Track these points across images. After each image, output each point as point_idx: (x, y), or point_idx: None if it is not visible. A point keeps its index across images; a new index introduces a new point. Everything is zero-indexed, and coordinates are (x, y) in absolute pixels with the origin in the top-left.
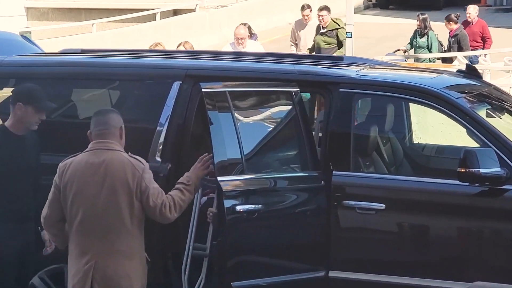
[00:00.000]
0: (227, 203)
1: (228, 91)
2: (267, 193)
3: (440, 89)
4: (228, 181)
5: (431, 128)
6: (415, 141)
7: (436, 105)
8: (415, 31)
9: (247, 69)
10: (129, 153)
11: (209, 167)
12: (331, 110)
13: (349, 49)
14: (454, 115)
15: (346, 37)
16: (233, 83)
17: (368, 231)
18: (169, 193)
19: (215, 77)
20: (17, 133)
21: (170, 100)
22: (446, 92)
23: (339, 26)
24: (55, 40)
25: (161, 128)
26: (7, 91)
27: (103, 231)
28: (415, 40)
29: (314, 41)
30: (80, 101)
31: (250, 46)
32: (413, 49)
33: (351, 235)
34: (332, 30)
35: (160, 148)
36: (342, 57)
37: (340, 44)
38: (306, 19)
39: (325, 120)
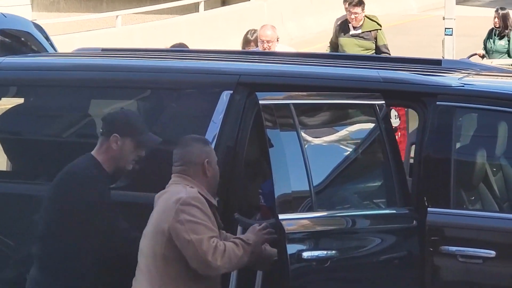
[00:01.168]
0: (291, 249)
1: (293, 103)
2: (342, 236)
3: None
4: (292, 220)
5: None
6: None
7: None
8: (491, 30)
9: (317, 75)
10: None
11: (271, 234)
12: (425, 129)
13: (449, 51)
14: None
15: (446, 34)
16: (300, 93)
17: (474, 285)
18: (225, 242)
19: (277, 86)
20: (109, 172)
21: (218, 115)
22: None
23: (379, 26)
24: (69, 37)
25: None
26: (6, 103)
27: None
28: (490, 42)
29: (337, 44)
30: (100, 116)
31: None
32: (487, 54)
33: None
34: (370, 31)
35: None
36: (440, 60)
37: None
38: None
39: (418, 142)
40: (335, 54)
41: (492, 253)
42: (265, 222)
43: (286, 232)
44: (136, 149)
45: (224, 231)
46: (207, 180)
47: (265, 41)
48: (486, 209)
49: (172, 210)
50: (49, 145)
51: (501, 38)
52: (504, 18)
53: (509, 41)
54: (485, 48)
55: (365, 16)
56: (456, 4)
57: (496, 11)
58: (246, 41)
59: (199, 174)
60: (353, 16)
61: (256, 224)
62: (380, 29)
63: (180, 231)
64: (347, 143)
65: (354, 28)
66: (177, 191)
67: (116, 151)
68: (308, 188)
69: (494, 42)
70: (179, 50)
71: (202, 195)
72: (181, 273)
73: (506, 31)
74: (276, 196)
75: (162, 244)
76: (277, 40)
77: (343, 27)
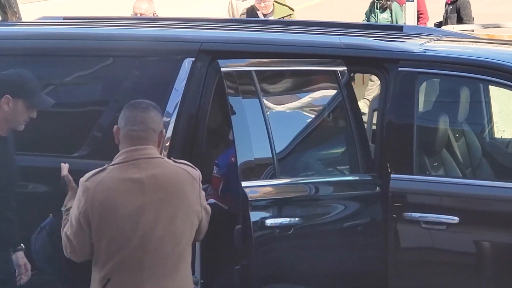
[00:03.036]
0: (254, 216)
1: (254, 70)
2: (305, 203)
3: None
4: (255, 187)
5: None
6: (497, 135)
7: None
8: (372, 2)
9: (279, 42)
10: (172, 158)
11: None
12: (388, 95)
13: (411, 17)
14: None
15: (407, 0)
16: (262, 60)
17: (437, 251)
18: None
19: (238, 53)
20: (0, 133)
21: (180, 83)
22: None
23: (291, 10)
24: (33, 6)
25: (168, 119)
26: None
27: (154, 268)
28: (372, 16)
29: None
30: (62, 84)
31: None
32: None
33: (415, 257)
34: (283, 17)
35: (167, 145)
36: (402, 26)
37: None
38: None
39: (381, 108)
40: (298, 21)
41: (455, 219)
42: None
43: (249, 199)
44: (28, 111)
45: None
46: (158, 149)
47: (138, 14)
48: (449, 175)
49: (197, 189)
50: None
51: (383, 10)
52: None
53: (391, 13)
54: (368, 21)
55: (274, 1)
56: None
57: None
58: None
59: (155, 142)
60: (262, 4)
61: None
62: (292, 14)
63: (207, 208)
64: (310, 109)
65: (265, 16)
66: (172, 164)
67: (8, 112)
68: (270, 155)
69: (376, 16)
70: (141, 18)
71: None
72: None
73: (388, 2)
74: (238, 164)
75: (195, 226)
76: (154, 15)
77: (250, 15)
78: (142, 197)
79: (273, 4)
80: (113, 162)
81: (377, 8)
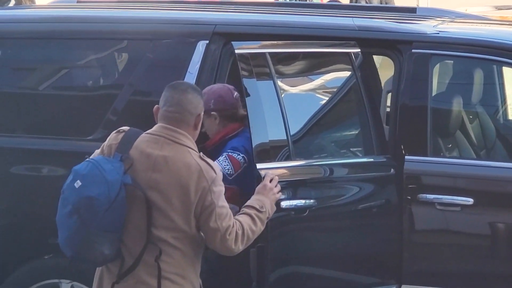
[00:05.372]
0: None
1: (268, 52)
2: (320, 185)
3: None
4: (270, 170)
5: None
6: (511, 117)
7: None
8: None
9: (293, 24)
10: (201, 153)
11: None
12: (401, 77)
13: None
14: None
15: None
16: (276, 42)
17: (451, 233)
18: (236, 217)
19: (252, 35)
20: None
21: (194, 66)
22: None
23: None
24: None
25: None
26: None
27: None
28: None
29: None
30: (77, 68)
31: None
32: None
33: (429, 238)
34: None
35: None
36: (415, 8)
37: None
38: None
39: (395, 90)
40: (311, 3)
41: (470, 200)
42: (273, 176)
43: None
44: None
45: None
46: (194, 133)
47: None
48: (463, 157)
49: (204, 189)
50: (26, 97)
51: None
52: None
53: None
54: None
55: None
56: None
57: None
58: None
59: (191, 127)
60: None
61: (266, 182)
62: None
63: (223, 215)
64: (323, 92)
65: None
66: (192, 156)
67: None
68: (285, 137)
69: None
70: (155, 0)
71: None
72: None
73: None
74: (253, 146)
75: (191, 221)
76: None
77: None
78: (149, 173)
79: None
80: (146, 131)
81: None
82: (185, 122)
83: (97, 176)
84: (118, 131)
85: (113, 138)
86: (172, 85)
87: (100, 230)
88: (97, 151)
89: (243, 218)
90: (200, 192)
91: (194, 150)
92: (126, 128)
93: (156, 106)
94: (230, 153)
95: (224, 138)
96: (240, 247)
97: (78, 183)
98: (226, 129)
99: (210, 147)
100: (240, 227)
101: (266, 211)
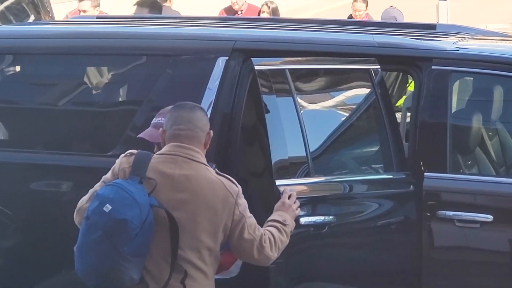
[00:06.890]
0: None
1: (288, 69)
2: (340, 202)
3: None
4: (289, 186)
5: None
6: None
7: None
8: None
9: (312, 40)
10: (216, 169)
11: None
12: (421, 93)
13: (443, 15)
14: None
15: None
16: (295, 59)
17: (471, 250)
18: (264, 228)
19: (272, 51)
20: None
21: (214, 82)
22: None
23: None
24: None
25: None
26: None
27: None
28: None
29: None
30: (96, 83)
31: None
32: None
33: (449, 255)
34: None
35: None
36: (435, 25)
37: None
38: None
39: (414, 106)
40: (329, 19)
41: (489, 217)
42: (292, 192)
43: None
44: None
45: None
46: (204, 151)
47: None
48: (482, 173)
49: (231, 204)
50: (46, 113)
51: None
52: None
53: None
54: None
55: None
56: None
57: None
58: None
59: (202, 143)
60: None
61: (285, 200)
62: None
63: (252, 227)
64: (343, 108)
65: None
66: (211, 172)
67: None
68: (304, 154)
69: None
70: (174, 16)
71: None
72: None
73: None
74: (273, 162)
75: (218, 239)
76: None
77: None
78: (171, 194)
79: None
80: (157, 152)
81: None
82: (196, 139)
83: (127, 199)
84: (127, 155)
85: (125, 161)
86: (178, 105)
87: (130, 255)
88: (108, 176)
89: (270, 229)
90: (228, 207)
91: (209, 167)
92: (134, 151)
93: (161, 129)
94: None
95: None
96: (276, 254)
97: (107, 207)
98: None
99: None
100: (270, 235)
101: (290, 224)
